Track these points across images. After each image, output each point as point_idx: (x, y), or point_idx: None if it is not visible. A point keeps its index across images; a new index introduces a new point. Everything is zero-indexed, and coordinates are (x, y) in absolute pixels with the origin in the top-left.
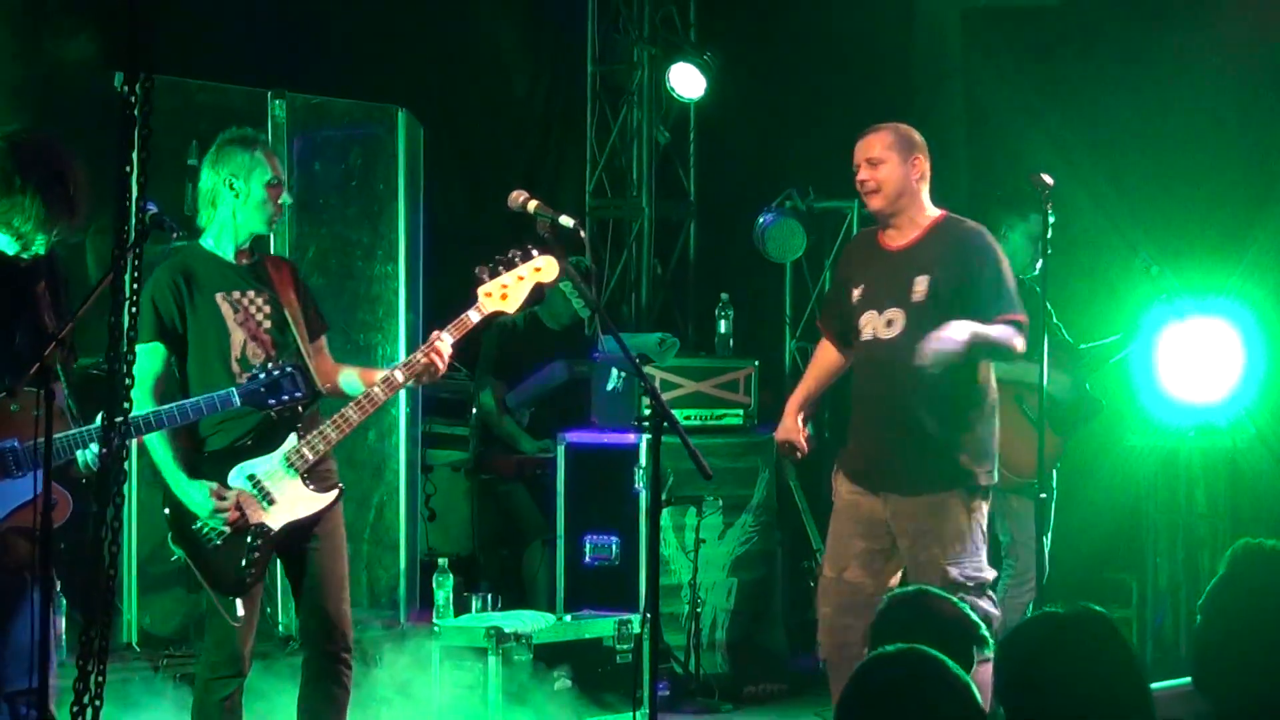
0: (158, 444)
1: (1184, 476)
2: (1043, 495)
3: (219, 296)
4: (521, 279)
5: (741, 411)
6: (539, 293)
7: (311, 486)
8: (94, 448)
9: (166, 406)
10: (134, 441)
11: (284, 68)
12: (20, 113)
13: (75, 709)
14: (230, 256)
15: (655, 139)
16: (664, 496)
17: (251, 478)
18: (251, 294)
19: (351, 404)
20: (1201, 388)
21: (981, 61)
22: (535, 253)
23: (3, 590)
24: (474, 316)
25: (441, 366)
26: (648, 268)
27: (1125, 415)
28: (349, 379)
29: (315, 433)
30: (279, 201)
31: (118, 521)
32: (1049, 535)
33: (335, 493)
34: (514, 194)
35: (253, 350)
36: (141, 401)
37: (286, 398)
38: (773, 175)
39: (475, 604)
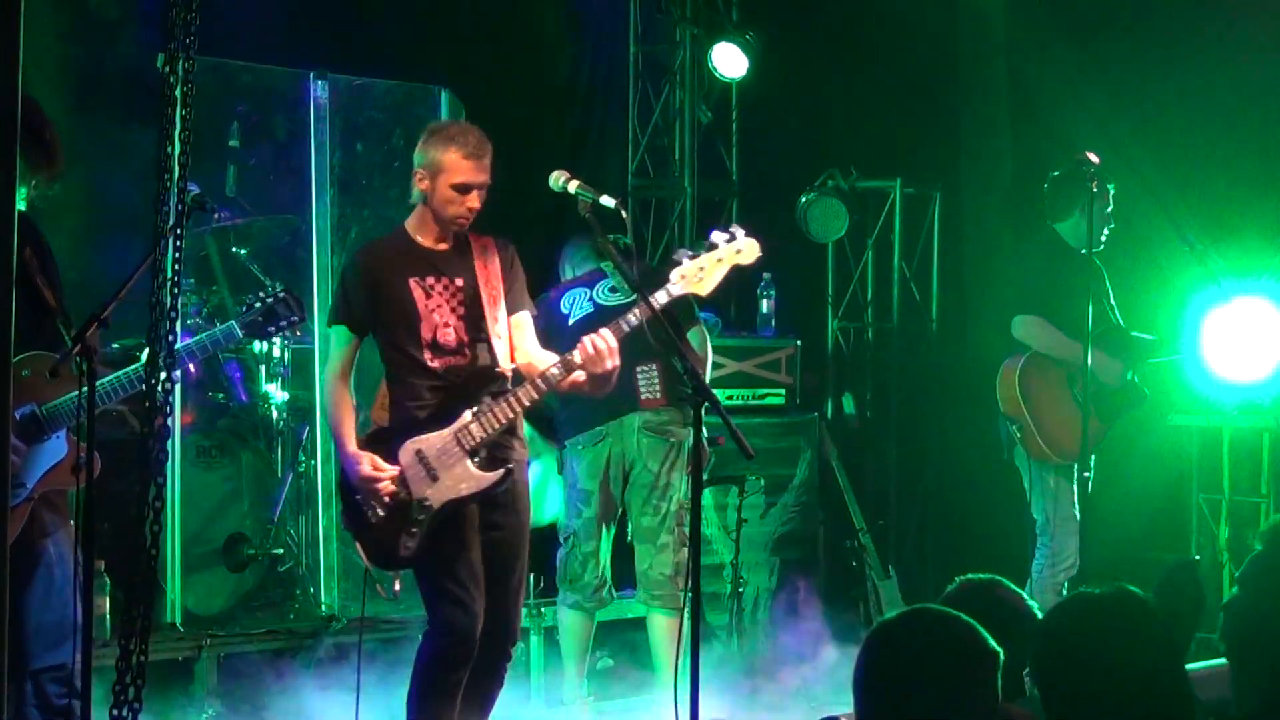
0: (335, 423)
1: (1227, 456)
2: (1085, 474)
3: (413, 281)
4: (720, 260)
5: (784, 391)
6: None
7: (477, 464)
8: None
9: (182, 344)
10: (176, 420)
11: (326, 48)
12: (62, 91)
13: (117, 688)
14: (427, 242)
15: (697, 119)
16: (705, 476)
17: (419, 453)
18: (446, 280)
19: (527, 384)
20: (1245, 367)
21: (1026, 40)
22: (739, 234)
23: (25, 563)
24: (661, 298)
25: (608, 356)
26: (690, 248)
27: (1169, 395)
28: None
29: (483, 411)
30: (469, 205)
31: (159, 501)
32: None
33: (501, 471)
34: (555, 173)
35: (443, 335)
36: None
37: (284, 323)
38: (815, 155)
39: None
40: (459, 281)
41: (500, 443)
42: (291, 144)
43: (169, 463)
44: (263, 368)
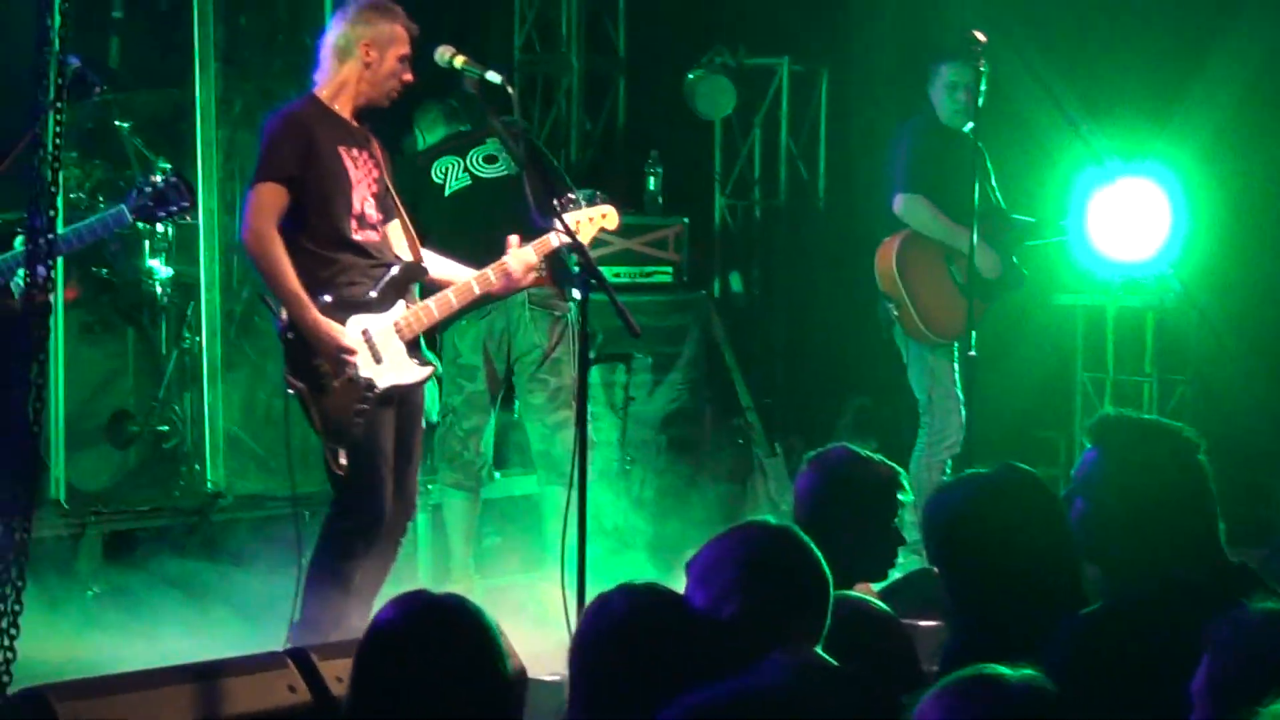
0: (287, 281)
1: (1112, 335)
2: (971, 354)
3: (341, 149)
4: (591, 220)
5: (670, 269)
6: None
7: (413, 357)
8: (21, 273)
9: (67, 229)
10: (59, 296)
11: None
12: None
13: (0, 565)
14: (344, 114)
15: None
16: (592, 354)
17: (365, 332)
18: (366, 154)
19: (454, 289)
20: (1129, 247)
21: None
22: (599, 199)
23: None
24: (554, 240)
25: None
26: (577, 124)
27: (1055, 274)
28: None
29: (420, 306)
30: (406, 78)
31: (41, 378)
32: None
33: (430, 369)
34: (441, 49)
35: (367, 208)
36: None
37: (175, 208)
38: (702, 32)
39: None
40: (372, 160)
41: (419, 340)
42: (174, 16)
43: (51, 339)
44: (146, 243)
